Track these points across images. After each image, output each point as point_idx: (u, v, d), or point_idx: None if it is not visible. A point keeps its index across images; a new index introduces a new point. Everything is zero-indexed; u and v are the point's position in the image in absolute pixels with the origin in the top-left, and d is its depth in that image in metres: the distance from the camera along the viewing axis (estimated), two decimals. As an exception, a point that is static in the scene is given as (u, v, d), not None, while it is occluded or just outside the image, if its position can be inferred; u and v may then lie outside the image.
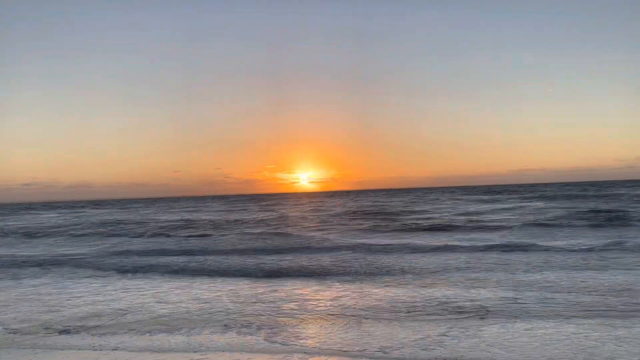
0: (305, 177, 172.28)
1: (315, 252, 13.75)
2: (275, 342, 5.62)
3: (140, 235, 21.69)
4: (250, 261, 12.41)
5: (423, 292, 7.93)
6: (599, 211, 23.87)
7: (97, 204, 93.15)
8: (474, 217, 25.17)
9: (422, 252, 12.75)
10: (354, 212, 33.89)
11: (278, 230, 21.53)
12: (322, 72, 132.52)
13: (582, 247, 12.57)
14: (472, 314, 6.45)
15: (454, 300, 7.29)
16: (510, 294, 7.51)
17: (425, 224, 22.09)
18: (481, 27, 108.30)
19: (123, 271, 11.55)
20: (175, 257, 13.64)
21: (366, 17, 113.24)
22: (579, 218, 21.28)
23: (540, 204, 35.68)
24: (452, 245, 13.79)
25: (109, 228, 26.96)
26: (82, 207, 79.12)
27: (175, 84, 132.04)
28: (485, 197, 52.14)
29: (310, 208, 44.87)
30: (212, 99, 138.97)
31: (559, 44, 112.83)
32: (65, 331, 6.40)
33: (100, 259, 14.06)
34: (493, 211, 29.86)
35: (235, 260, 12.64)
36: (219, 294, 8.47)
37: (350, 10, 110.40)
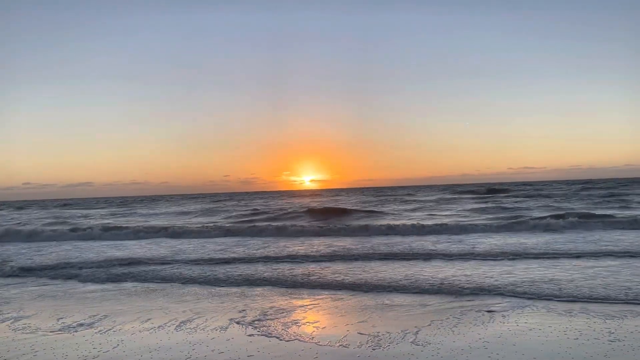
0: (309, 178, 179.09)
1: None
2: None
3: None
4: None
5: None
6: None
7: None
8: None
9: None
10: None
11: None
12: (324, 72, 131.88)
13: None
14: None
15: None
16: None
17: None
18: (481, 25, 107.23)
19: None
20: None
21: (366, 19, 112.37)
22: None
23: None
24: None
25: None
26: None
27: (179, 87, 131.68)
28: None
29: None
30: (221, 104, 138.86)
31: (560, 40, 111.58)
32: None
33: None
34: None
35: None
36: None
37: (351, 11, 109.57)
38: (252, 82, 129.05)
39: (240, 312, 6.27)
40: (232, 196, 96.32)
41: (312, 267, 9.67)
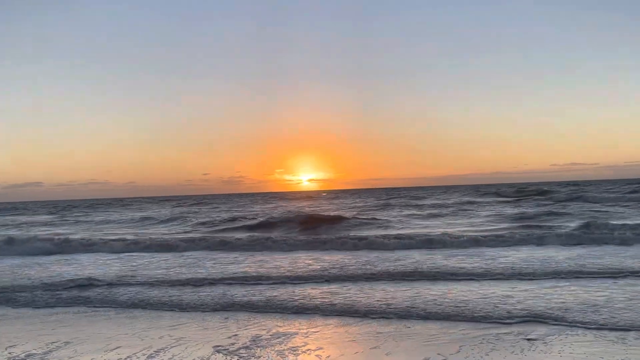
0: (308, 177, 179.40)
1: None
2: None
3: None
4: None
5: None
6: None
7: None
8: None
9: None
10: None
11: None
12: (324, 69, 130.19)
13: None
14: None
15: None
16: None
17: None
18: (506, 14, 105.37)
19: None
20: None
21: (368, 16, 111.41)
22: None
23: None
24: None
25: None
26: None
27: (149, 68, 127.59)
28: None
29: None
30: (212, 98, 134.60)
31: (613, 14, 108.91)
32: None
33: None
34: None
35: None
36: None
37: (353, 8, 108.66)
38: (238, 63, 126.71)
39: (224, 339, 6.11)
40: (210, 199, 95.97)
41: (301, 289, 9.54)
